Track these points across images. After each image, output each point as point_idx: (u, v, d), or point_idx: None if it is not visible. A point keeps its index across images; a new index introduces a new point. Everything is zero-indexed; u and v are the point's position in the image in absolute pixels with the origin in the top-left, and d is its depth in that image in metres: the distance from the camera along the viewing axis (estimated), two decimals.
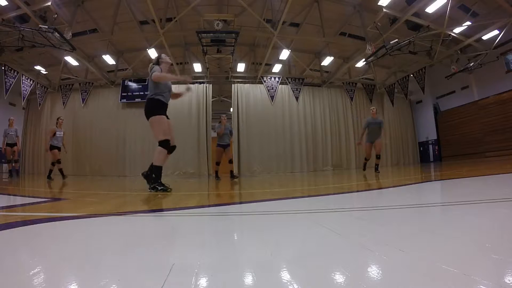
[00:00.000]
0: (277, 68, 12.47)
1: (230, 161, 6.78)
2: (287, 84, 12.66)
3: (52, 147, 6.94)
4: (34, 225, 1.41)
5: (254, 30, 10.06)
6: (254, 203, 2.33)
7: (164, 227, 1.48)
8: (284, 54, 10.81)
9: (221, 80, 12.89)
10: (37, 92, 11.84)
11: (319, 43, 11.17)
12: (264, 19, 9.06)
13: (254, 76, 12.52)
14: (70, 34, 8.24)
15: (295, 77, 12.73)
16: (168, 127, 3.40)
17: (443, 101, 13.60)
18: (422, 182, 3.54)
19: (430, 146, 14.20)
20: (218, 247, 1.00)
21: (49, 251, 0.97)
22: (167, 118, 3.48)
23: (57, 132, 6.96)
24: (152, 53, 10.43)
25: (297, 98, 12.65)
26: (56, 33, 7.48)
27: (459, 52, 10.85)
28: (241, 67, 12.35)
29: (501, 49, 10.24)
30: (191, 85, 3.37)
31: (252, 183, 5.31)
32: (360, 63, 11.67)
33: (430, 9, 8.33)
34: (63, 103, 12.30)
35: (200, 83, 12.16)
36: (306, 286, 0.61)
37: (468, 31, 9.63)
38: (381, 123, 6.86)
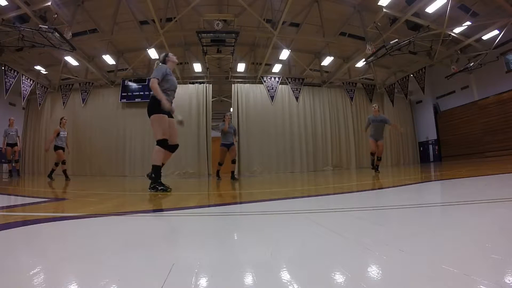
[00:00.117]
0: (277, 68, 12.47)
1: (233, 161, 6.48)
2: (287, 84, 12.67)
3: (56, 148, 6.92)
4: (34, 225, 1.41)
5: (254, 30, 10.06)
6: (254, 203, 2.33)
7: (164, 227, 1.48)
8: (284, 54, 10.81)
9: (221, 80, 12.90)
10: (37, 92, 11.85)
11: (319, 43, 11.17)
12: (264, 19, 9.07)
13: (254, 76, 12.53)
14: (70, 34, 8.25)
15: (295, 77, 12.73)
16: (169, 126, 3.37)
17: (443, 101, 13.60)
18: (422, 182, 3.54)
19: (430, 146, 14.20)
20: (218, 247, 1.00)
21: (49, 251, 0.97)
22: (171, 117, 3.45)
23: (61, 132, 6.93)
24: (152, 53, 10.44)
25: (297, 98, 12.65)
26: (56, 33, 7.48)
27: (459, 52, 10.85)
28: (241, 67, 12.36)
29: (501, 49, 10.25)
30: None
31: (252, 183, 5.31)
32: (360, 63, 11.68)
33: (430, 9, 8.33)
34: (63, 103, 12.31)
35: (200, 83, 12.17)
36: (306, 286, 0.61)
37: (468, 31, 9.63)
38: (383, 120, 6.82)
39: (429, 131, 14.19)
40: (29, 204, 2.40)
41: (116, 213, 1.78)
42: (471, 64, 10.52)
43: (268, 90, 12.39)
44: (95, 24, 9.56)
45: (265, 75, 12.46)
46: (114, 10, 9.01)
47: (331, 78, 12.95)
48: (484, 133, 11.46)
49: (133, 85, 12.09)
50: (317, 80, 13.29)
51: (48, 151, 7.03)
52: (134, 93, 12.01)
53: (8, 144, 8.07)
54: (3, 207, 2.20)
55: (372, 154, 6.91)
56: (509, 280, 0.58)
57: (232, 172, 6.44)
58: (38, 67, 11.36)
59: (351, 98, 13.54)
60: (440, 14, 8.63)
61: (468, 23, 9.12)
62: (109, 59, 11.04)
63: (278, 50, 10.78)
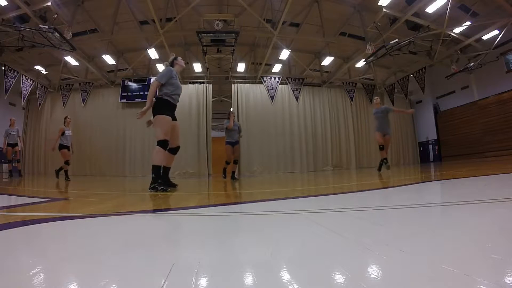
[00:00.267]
0: (277, 68, 12.47)
1: (235, 162, 6.36)
2: (287, 84, 12.67)
3: (61, 147, 6.91)
4: (34, 225, 1.41)
5: (254, 30, 10.06)
6: (254, 203, 2.33)
7: (164, 227, 1.48)
8: (284, 54, 10.81)
9: (221, 80, 12.90)
10: (37, 92, 11.85)
11: (319, 43, 11.17)
12: (264, 19, 9.07)
13: (254, 76, 12.53)
14: (70, 34, 8.25)
15: (295, 77, 12.73)
16: (172, 128, 3.43)
17: (443, 101, 13.60)
18: (422, 182, 3.54)
19: (430, 146, 14.20)
20: (218, 247, 1.00)
21: (49, 251, 0.97)
22: (175, 119, 3.51)
23: (65, 131, 6.93)
24: (152, 53, 10.45)
25: (297, 98, 12.65)
26: (56, 33, 7.48)
27: (459, 52, 10.85)
28: (241, 67, 12.36)
29: (501, 49, 10.25)
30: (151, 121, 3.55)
31: (252, 183, 5.31)
32: (360, 63, 11.68)
33: (430, 9, 8.33)
34: (63, 103, 12.31)
35: (200, 83, 12.18)
36: (306, 286, 0.61)
37: (468, 31, 9.63)
38: (386, 109, 6.71)
39: (429, 131, 14.20)
40: (29, 204, 2.40)
41: (116, 213, 1.78)
42: (471, 64, 10.53)
43: (268, 90, 12.39)
44: (95, 24, 9.56)
45: (265, 75, 12.46)
46: (114, 10, 9.01)
47: (331, 78, 12.95)
48: (484, 133, 11.46)
49: (133, 85, 12.09)
50: (317, 80, 13.29)
51: (55, 150, 6.98)
52: (134, 93, 12.01)
53: (9, 144, 8.07)
54: (3, 207, 2.20)
55: (381, 147, 6.78)
56: (509, 280, 0.58)
57: (233, 172, 6.40)
58: (38, 67, 11.36)
59: (351, 98, 13.54)
60: (440, 14, 8.63)
61: (468, 23, 9.12)
62: (109, 59, 11.04)
63: (278, 50, 10.78)
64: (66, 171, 7.02)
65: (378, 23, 8.73)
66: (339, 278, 0.66)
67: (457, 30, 9.41)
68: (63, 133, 6.88)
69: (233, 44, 9.06)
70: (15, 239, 1.16)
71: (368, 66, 12.39)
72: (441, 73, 12.08)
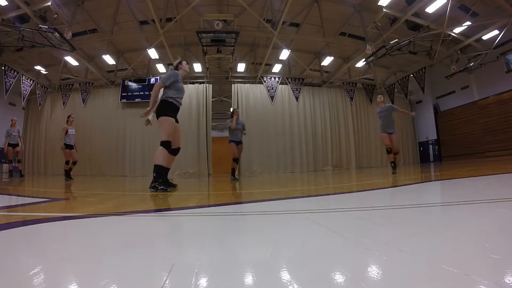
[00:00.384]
0: (277, 68, 12.47)
1: (237, 161, 6.23)
2: (287, 84, 12.67)
3: (65, 146, 6.89)
4: (34, 225, 1.41)
5: (254, 30, 10.06)
6: (254, 203, 2.33)
7: (164, 227, 1.48)
8: (284, 54, 10.81)
9: (221, 80, 12.90)
10: (37, 92, 11.85)
11: (319, 43, 11.17)
12: (264, 19, 9.07)
13: (254, 76, 12.53)
14: (70, 34, 8.25)
15: (295, 77, 12.73)
16: (175, 130, 3.48)
17: (443, 101, 13.60)
18: (422, 182, 3.54)
19: (430, 146, 14.20)
20: (218, 247, 1.00)
21: (49, 251, 0.97)
22: (177, 121, 3.56)
23: (69, 130, 6.91)
24: (152, 53, 10.45)
25: (297, 98, 12.65)
26: (56, 33, 7.48)
27: (459, 52, 10.85)
28: (241, 67, 12.36)
29: (501, 49, 10.25)
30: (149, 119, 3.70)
31: (252, 183, 5.31)
32: (360, 63, 11.68)
33: (430, 9, 8.33)
34: (63, 103, 12.31)
35: (200, 83, 12.18)
36: (306, 286, 0.61)
37: (468, 31, 9.63)
38: (390, 108, 6.34)
39: (429, 131, 14.20)
40: (29, 204, 2.40)
41: (116, 213, 1.78)
42: (471, 64, 10.52)
43: (268, 90, 12.39)
44: (95, 24, 9.56)
45: (265, 75, 12.46)
46: (114, 10, 9.01)
47: (331, 78, 12.95)
48: (484, 133, 11.46)
49: (133, 85, 12.09)
50: (317, 80, 13.29)
51: (63, 149, 6.95)
52: (134, 93, 12.01)
53: (10, 145, 8.07)
54: (3, 207, 2.20)
55: (388, 150, 6.31)
56: (509, 280, 0.58)
57: (233, 169, 6.28)
58: (38, 67, 11.36)
59: (351, 98, 13.54)
60: (440, 14, 8.63)
61: (468, 23, 9.12)
62: (109, 59, 11.04)
63: (278, 50, 10.78)
64: (66, 171, 6.99)
65: (378, 23, 8.73)
66: (339, 278, 0.66)
67: (457, 30, 9.41)
68: (66, 132, 6.86)
69: (233, 44, 9.06)
70: (15, 239, 1.16)
71: (368, 66, 12.39)
72: (441, 73, 12.08)
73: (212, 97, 12.39)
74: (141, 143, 11.67)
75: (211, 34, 8.58)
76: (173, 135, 3.46)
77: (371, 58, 9.97)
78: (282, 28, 9.09)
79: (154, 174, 3.25)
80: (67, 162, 6.96)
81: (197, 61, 11.81)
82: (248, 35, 10.26)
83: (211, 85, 12.19)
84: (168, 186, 3.49)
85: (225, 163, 14.39)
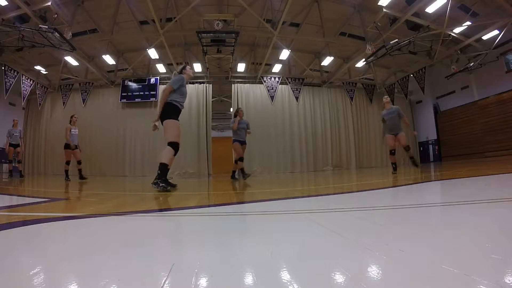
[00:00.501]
0: (277, 68, 12.47)
1: (238, 161, 6.09)
2: (287, 84, 12.67)
3: (65, 146, 6.88)
4: (34, 225, 1.41)
5: (254, 30, 10.06)
6: (254, 203, 2.33)
7: (164, 227, 1.48)
8: (284, 54, 10.81)
9: (221, 80, 12.90)
10: (37, 92, 11.85)
11: (319, 43, 11.17)
12: (264, 19, 9.07)
13: (254, 76, 12.53)
14: (70, 34, 8.25)
15: (295, 77, 12.73)
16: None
17: (443, 101, 13.60)
18: (422, 182, 3.54)
19: (430, 146, 14.20)
20: (218, 247, 1.00)
21: (49, 251, 0.97)
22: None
23: (72, 130, 6.90)
24: (152, 53, 10.45)
25: (297, 98, 12.65)
26: (56, 33, 7.48)
27: (459, 52, 10.85)
28: (241, 67, 12.36)
29: (501, 49, 10.25)
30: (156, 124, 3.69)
31: (252, 183, 5.31)
32: (360, 63, 11.68)
33: (430, 9, 8.33)
34: (63, 103, 12.31)
35: (200, 83, 12.18)
36: (306, 286, 0.61)
37: (468, 31, 9.63)
38: (397, 110, 6.02)
39: (429, 131, 14.19)
40: (29, 204, 2.40)
41: (116, 213, 1.78)
42: (471, 64, 10.52)
43: (268, 90, 12.39)
44: (95, 24, 9.56)
45: (265, 75, 12.46)
46: (114, 10, 9.01)
47: (331, 78, 12.95)
48: (484, 133, 11.46)
49: (133, 85, 12.09)
50: (317, 80, 13.29)
51: (74, 147, 6.94)
52: (134, 93, 12.01)
53: (11, 145, 8.07)
54: (3, 207, 2.20)
55: (392, 152, 6.14)
56: (509, 280, 0.58)
57: (234, 172, 6.25)
58: (38, 67, 11.36)
59: (351, 98, 13.54)
60: (440, 14, 8.63)
61: (468, 23, 9.12)
62: (109, 59, 11.04)
63: (278, 50, 10.78)
64: (66, 171, 6.98)
65: (378, 23, 8.72)
66: (339, 278, 0.66)
67: (457, 30, 9.41)
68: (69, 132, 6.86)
69: (233, 44, 9.06)
70: (15, 239, 1.16)
71: (368, 66, 12.39)
72: (441, 73, 12.08)
73: (212, 97, 12.39)
74: (141, 143, 11.67)
75: (211, 34, 8.58)
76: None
77: (371, 58, 9.97)
78: (282, 28, 9.09)
79: (159, 171, 3.36)
80: (67, 163, 6.94)
81: (197, 61, 11.81)
82: (248, 35, 10.26)
83: (211, 85, 12.19)
84: (168, 185, 3.52)
85: (225, 163, 14.41)
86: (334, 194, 2.89)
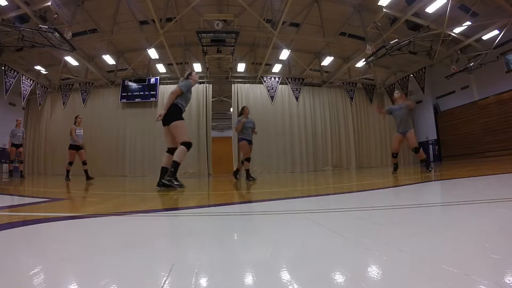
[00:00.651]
0: (277, 68, 12.48)
1: (244, 161, 5.84)
2: (287, 84, 12.67)
3: (70, 146, 6.87)
4: (34, 225, 1.41)
5: (254, 30, 10.06)
6: (254, 203, 2.33)
7: (164, 227, 1.48)
8: (284, 54, 10.81)
9: (221, 80, 12.90)
10: (37, 92, 11.85)
11: (319, 43, 11.17)
12: (264, 19, 9.07)
13: (254, 76, 12.53)
14: (70, 34, 8.25)
15: (295, 77, 12.73)
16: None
17: (443, 101, 13.60)
18: (422, 182, 3.54)
19: (430, 146, 14.19)
20: (218, 247, 1.00)
21: (49, 251, 0.97)
22: None
23: (77, 130, 6.90)
24: (152, 53, 10.45)
25: (297, 98, 12.65)
26: (56, 33, 7.48)
27: (459, 52, 10.85)
28: (241, 67, 12.36)
29: (501, 49, 10.25)
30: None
31: (252, 183, 5.31)
32: (360, 63, 11.68)
33: (430, 9, 8.33)
34: (63, 103, 12.31)
35: (200, 83, 12.18)
36: (306, 286, 0.61)
37: (468, 31, 9.63)
38: (407, 106, 5.60)
39: (429, 131, 14.19)
40: (29, 204, 2.40)
41: (116, 213, 1.78)
42: (471, 64, 10.52)
43: (268, 90, 12.39)
44: (95, 24, 9.56)
45: (265, 75, 12.46)
46: (114, 10, 9.01)
47: (331, 78, 12.95)
48: (484, 133, 11.46)
49: (133, 85, 12.09)
50: (317, 80, 13.29)
51: (83, 145, 6.92)
52: (134, 93, 12.01)
53: (13, 145, 8.07)
54: (3, 207, 2.20)
55: (394, 155, 5.83)
56: (509, 280, 0.58)
57: (237, 171, 6.07)
58: (38, 67, 11.36)
59: (351, 98, 13.54)
60: (440, 14, 8.63)
61: (468, 23, 9.12)
62: (109, 59, 11.04)
63: (278, 50, 10.78)
64: (67, 171, 6.97)
65: (378, 23, 8.73)
66: (339, 278, 0.66)
67: (457, 30, 9.41)
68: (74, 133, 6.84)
69: (233, 44, 9.06)
70: (15, 239, 1.16)
71: (368, 66, 12.39)
72: (441, 73, 12.08)
73: (212, 97, 12.40)
74: (141, 143, 11.67)
75: (211, 34, 8.59)
76: (172, 135, 3.67)
77: (371, 58, 9.97)
78: (282, 28, 9.09)
79: (172, 169, 3.50)
80: (70, 163, 6.92)
81: (197, 61, 11.81)
82: (248, 35, 10.26)
83: (211, 85, 12.19)
84: (168, 186, 3.54)
85: (225, 163, 14.41)
86: (334, 194, 2.89)
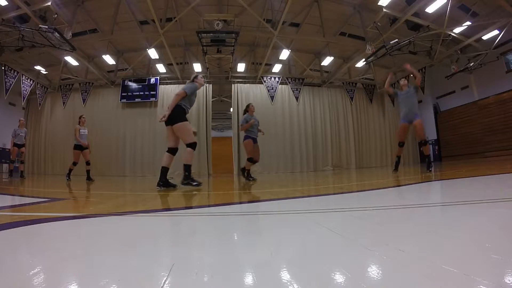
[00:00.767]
0: (277, 68, 12.48)
1: (256, 162, 5.70)
2: (287, 84, 12.67)
3: (76, 147, 6.86)
4: (34, 225, 1.41)
5: (254, 30, 10.07)
6: (254, 203, 2.33)
7: (164, 227, 1.48)
8: (284, 54, 10.82)
9: (221, 80, 12.90)
10: (37, 92, 11.85)
11: (319, 43, 11.17)
12: (264, 19, 9.07)
13: (254, 76, 12.53)
14: (70, 34, 8.25)
15: (295, 77, 12.73)
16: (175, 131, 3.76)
17: (443, 101, 13.60)
18: (422, 182, 3.54)
19: (430, 146, 14.19)
20: (218, 247, 1.00)
21: (49, 251, 0.97)
22: None
23: (81, 130, 6.89)
24: (152, 53, 10.45)
25: (297, 98, 12.65)
26: (56, 33, 7.48)
27: (459, 52, 10.85)
28: (241, 67, 12.36)
29: (501, 49, 10.25)
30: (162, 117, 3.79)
31: (252, 183, 5.31)
32: (360, 63, 11.68)
33: (430, 9, 8.33)
34: (63, 103, 12.31)
35: None
36: (306, 286, 0.61)
37: (468, 31, 9.63)
38: (414, 90, 5.27)
39: (429, 131, 14.17)
40: (29, 204, 2.40)
41: (116, 213, 1.78)
42: (471, 64, 10.53)
43: (268, 90, 12.39)
44: (95, 24, 9.56)
45: (265, 75, 12.46)
46: (114, 10, 9.02)
47: (331, 78, 12.95)
48: (484, 133, 11.46)
49: (133, 85, 12.09)
50: (317, 80, 13.29)
51: (88, 145, 6.90)
52: (134, 93, 12.01)
53: (15, 144, 8.06)
54: (3, 207, 2.20)
55: (400, 144, 5.53)
56: (509, 280, 0.58)
57: (248, 171, 5.75)
58: (38, 67, 11.36)
59: (351, 98, 13.54)
60: (440, 14, 8.63)
61: (468, 23, 9.12)
62: (109, 59, 11.04)
63: (278, 50, 10.78)
64: (70, 170, 6.96)
65: (378, 23, 8.73)
66: (339, 278, 0.66)
67: (457, 30, 9.41)
68: (78, 133, 6.84)
69: (233, 44, 9.06)
70: (15, 239, 1.16)
71: (368, 66, 12.39)
72: (441, 73, 12.08)
73: (212, 97, 12.40)
74: (141, 143, 11.67)
75: (211, 34, 8.59)
76: (173, 135, 3.71)
77: (371, 58, 9.97)
78: (282, 28, 9.09)
79: (186, 173, 3.64)
80: (74, 163, 6.89)
81: (197, 61, 11.81)
82: (248, 35, 10.26)
83: (211, 85, 12.19)
84: (168, 186, 3.55)
85: (225, 163, 14.40)
86: (334, 194, 2.89)
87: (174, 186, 3.67)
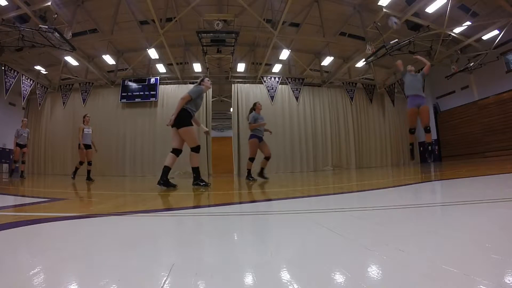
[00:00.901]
0: (277, 68, 12.48)
1: (267, 158, 5.68)
2: (287, 84, 12.67)
3: (80, 146, 6.86)
4: (34, 225, 1.41)
5: (254, 30, 10.07)
6: (254, 203, 2.33)
7: (164, 227, 1.48)
8: (284, 54, 10.82)
9: (221, 80, 12.90)
10: (37, 92, 11.86)
11: (319, 43, 11.17)
12: (264, 19, 9.07)
13: (254, 76, 12.53)
14: (70, 34, 8.25)
15: (295, 77, 12.73)
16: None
17: (443, 101, 13.60)
18: (422, 182, 3.54)
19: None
20: (218, 247, 1.00)
21: (49, 251, 0.97)
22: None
23: (85, 130, 6.88)
24: (152, 53, 10.45)
25: (297, 98, 12.66)
26: (56, 33, 7.49)
27: (459, 52, 10.85)
28: (241, 67, 12.37)
29: (501, 49, 10.26)
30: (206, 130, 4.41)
31: (252, 183, 5.31)
32: (360, 63, 11.68)
33: (430, 9, 8.34)
34: (63, 103, 12.32)
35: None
36: (306, 286, 0.61)
37: (468, 31, 9.63)
38: (422, 75, 5.27)
39: None
40: (29, 204, 2.40)
41: (116, 213, 1.78)
42: (471, 64, 10.53)
43: (268, 90, 12.39)
44: (95, 24, 9.57)
45: (265, 75, 12.47)
46: (114, 10, 9.02)
47: (331, 78, 12.95)
48: (484, 133, 11.46)
49: (133, 85, 12.09)
50: (317, 80, 13.29)
51: (82, 149, 6.89)
52: (134, 93, 12.01)
53: (18, 145, 8.06)
54: (4, 207, 2.20)
55: (412, 130, 5.39)
56: (509, 280, 0.58)
57: (262, 169, 5.75)
58: (38, 67, 11.36)
59: (351, 98, 13.55)
60: (440, 14, 8.64)
61: (468, 23, 9.12)
62: (109, 59, 11.05)
63: (278, 50, 10.79)
64: (76, 169, 6.95)
65: (378, 23, 8.73)
66: (339, 278, 0.66)
67: (457, 30, 9.41)
68: (82, 132, 6.83)
69: (233, 44, 9.06)
70: (15, 239, 1.16)
71: (368, 66, 12.40)
72: (441, 73, 12.09)
73: (212, 97, 12.40)
74: (141, 143, 11.67)
75: (211, 34, 8.59)
76: (178, 138, 3.79)
77: (371, 58, 9.98)
78: (282, 28, 9.10)
79: (194, 175, 3.78)
80: (80, 163, 6.89)
81: (197, 61, 11.81)
82: (248, 35, 10.27)
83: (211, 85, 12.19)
84: (168, 185, 3.55)
85: (225, 163, 14.40)
86: (334, 194, 2.89)
87: (174, 186, 3.68)
